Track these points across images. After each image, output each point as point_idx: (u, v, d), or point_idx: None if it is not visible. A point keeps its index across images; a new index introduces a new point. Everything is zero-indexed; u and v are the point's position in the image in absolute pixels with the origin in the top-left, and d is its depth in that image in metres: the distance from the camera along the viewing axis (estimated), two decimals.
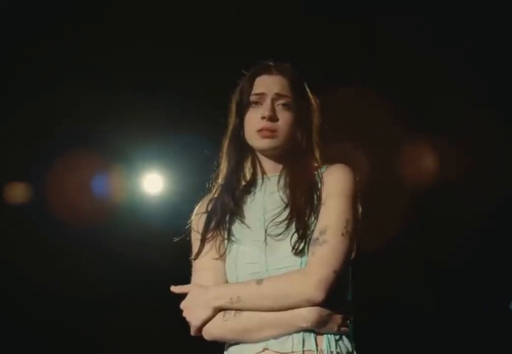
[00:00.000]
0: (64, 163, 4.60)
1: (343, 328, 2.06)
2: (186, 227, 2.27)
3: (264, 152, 2.21)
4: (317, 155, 2.23)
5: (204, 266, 2.17)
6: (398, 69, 4.30)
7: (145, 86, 4.45)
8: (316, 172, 2.18)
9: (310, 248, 2.05)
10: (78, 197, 4.69)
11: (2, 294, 4.69)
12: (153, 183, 4.78)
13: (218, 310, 2.06)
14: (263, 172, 2.24)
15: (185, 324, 2.11)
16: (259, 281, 2.04)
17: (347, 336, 2.08)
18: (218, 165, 2.28)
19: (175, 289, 2.15)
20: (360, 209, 2.15)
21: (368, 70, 4.24)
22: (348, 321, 2.08)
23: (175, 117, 4.31)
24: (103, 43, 4.40)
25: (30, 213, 4.65)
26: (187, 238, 2.26)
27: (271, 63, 2.25)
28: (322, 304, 2.00)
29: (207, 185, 2.30)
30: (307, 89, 2.26)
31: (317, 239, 2.05)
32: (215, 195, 2.26)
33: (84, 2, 4.29)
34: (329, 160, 2.22)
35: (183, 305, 2.12)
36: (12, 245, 4.59)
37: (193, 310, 2.08)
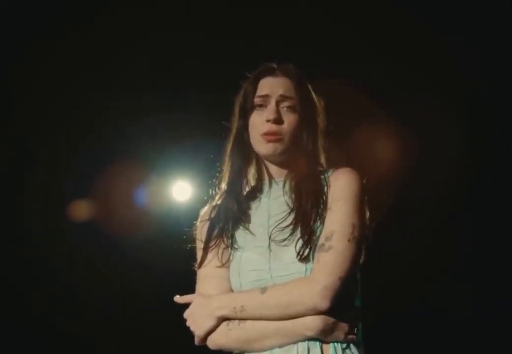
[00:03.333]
0: (93, 174, 4.64)
1: (350, 336, 2.01)
2: (187, 236, 2.24)
3: (269, 158, 2.16)
4: (323, 158, 2.18)
5: (207, 274, 2.13)
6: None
7: (172, 94, 4.47)
8: (322, 176, 2.13)
9: (316, 254, 2.00)
10: (106, 206, 4.72)
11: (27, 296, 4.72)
12: (181, 190, 4.81)
13: (222, 319, 2.02)
14: (268, 177, 2.19)
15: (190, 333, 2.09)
16: (263, 290, 1.99)
17: (355, 344, 2.03)
18: (221, 170, 2.23)
19: (178, 299, 2.11)
20: (367, 213, 2.09)
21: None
22: (356, 329, 2.03)
23: (203, 124, 4.28)
24: (133, 54, 4.40)
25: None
26: (191, 246, 2.22)
27: (275, 65, 2.20)
28: (328, 312, 1.95)
29: (210, 192, 2.25)
30: (312, 91, 2.20)
31: (323, 245, 2.00)
32: (218, 202, 2.22)
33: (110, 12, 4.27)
34: (335, 163, 2.17)
35: (186, 314, 2.08)
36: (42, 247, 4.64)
37: (197, 320, 2.04)
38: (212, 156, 2.34)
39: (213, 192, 2.24)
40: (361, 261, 2.08)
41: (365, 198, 2.08)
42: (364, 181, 2.10)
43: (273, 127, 2.10)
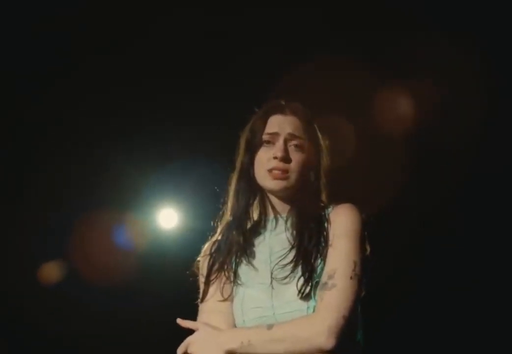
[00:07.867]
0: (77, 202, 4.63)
1: None
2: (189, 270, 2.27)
3: (274, 193, 2.20)
4: (324, 195, 2.23)
5: (210, 308, 2.15)
6: None
7: (160, 120, 4.46)
8: (323, 213, 2.17)
9: (319, 293, 2.04)
10: (91, 233, 4.70)
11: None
12: (168, 218, 4.82)
13: (230, 353, 2.05)
14: (272, 212, 2.23)
15: None
16: (270, 326, 2.03)
17: None
18: (225, 203, 2.26)
19: (182, 322, 2.13)
20: (368, 249, 2.13)
21: None
22: None
23: (190, 153, 4.30)
24: (115, 80, 4.38)
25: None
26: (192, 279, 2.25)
27: (283, 102, 2.26)
28: (333, 349, 1.99)
29: (212, 224, 2.28)
30: (317, 130, 2.26)
31: (326, 283, 2.03)
32: (219, 238, 2.25)
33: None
34: (335, 199, 2.21)
35: (191, 341, 2.09)
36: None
37: (205, 352, 2.06)
38: (216, 188, 2.35)
39: (216, 226, 2.27)
40: (362, 294, 2.11)
41: (365, 233, 2.12)
42: (364, 216, 2.14)
43: (280, 164, 2.15)
